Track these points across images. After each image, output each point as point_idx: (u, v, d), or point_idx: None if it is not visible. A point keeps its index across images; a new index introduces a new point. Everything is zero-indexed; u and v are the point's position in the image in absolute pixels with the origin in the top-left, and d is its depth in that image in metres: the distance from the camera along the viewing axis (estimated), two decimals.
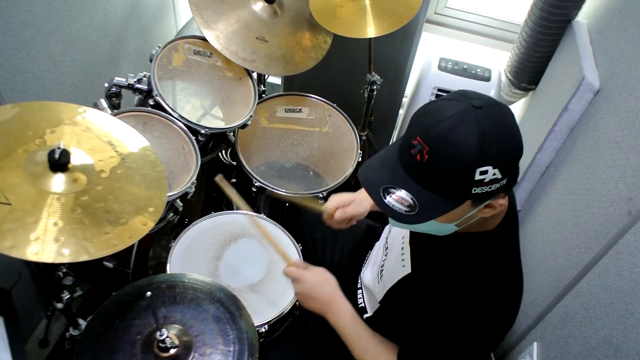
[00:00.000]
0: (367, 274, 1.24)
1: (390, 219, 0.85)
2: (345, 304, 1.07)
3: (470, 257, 0.93)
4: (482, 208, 0.83)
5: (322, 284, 1.08)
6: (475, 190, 0.77)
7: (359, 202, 1.25)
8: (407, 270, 1.03)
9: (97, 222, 0.87)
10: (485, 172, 0.75)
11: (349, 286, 1.31)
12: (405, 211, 0.80)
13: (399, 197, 0.80)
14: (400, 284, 1.05)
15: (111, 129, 1.04)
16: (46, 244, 0.80)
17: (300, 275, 1.08)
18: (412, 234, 1.07)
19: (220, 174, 1.24)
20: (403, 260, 1.06)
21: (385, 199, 0.81)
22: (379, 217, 1.48)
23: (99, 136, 1.01)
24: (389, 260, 1.14)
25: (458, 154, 0.75)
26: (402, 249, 1.08)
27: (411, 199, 0.80)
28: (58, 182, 0.87)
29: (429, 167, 0.77)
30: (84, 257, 0.82)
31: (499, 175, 0.76)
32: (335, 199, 1.26)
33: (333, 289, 1.08)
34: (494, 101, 0.79)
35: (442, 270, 0.96)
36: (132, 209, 0.93)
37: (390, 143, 2.33)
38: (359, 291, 1.27)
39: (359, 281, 1.29)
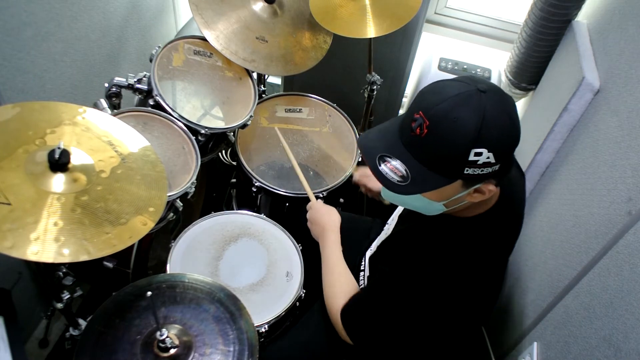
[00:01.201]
0: (367, 274, 1.25)
1: (382, 189, 0.90)
2: (335, 236, 1.22)
3: (445, 235, 0.95)
4: (472, 192, 0.85)
5: (326, 215, 1.26)
6: (467, 170, 0.79)
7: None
8: (388, 233, 1.09)
9: (97, 222, 0.87)
10: (480, 154, 0.77)
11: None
12: (398, 181, 0.83)
13: (393, 167, 0.83)
14: (380, 248, 1.11)
15: (111, 129, 1.04)
16: (46, 244, 0.80)
17: (315, 204, 1.31)
18: (402, 213, 1.11)
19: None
20: (388, 231, 1.11)
21: (380, 166, 0.84)
22: (383, 216, 1.48)
23: (99, 136, 1.01)
24: (379, 238, 1.20)
25: (456, 131, 0.77)
26: (389, 224, 1.14)
27: (405, 169, 0.82)
28: (58, 182, 0.87)
29: (426, 141, 0.79)
30: (84, 257, 0.82)
31: (492, 160, 0.78)
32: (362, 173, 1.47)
33: (332, 222, 1.25)
34: (498, 88, 0.81)
35: (418, 242, 0.99)
36: (132, 209, 0.93)
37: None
38: (361, 273, 1.28)
39: (361, 279, 1.29)
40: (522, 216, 1.06)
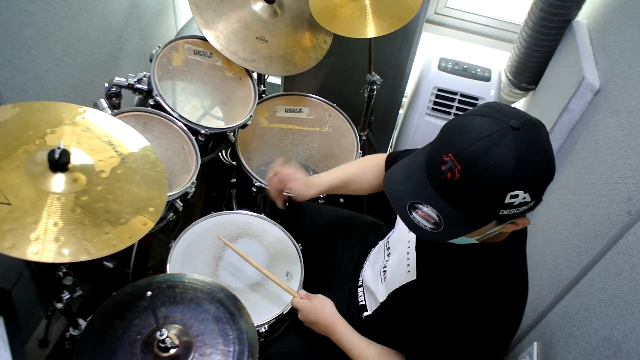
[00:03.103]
0: (368, 273, 1.25)
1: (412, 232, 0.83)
2: (341, 324, 1.13)
3: (478, 267, 0.92)
4: (506, 224, 0.82)
5: (319, 310, 1.15)
6: (502, 212, 0.75)
7: (308, 184, 1.23)
8: (412, 276, 1.02)
9: (97, 222, 0.87)
10: (516, 196, 0.73)
11: (350, 284, 1.31)
12: (430, 228, 0.78)
13: (425, 214, 0.78)
14: (405, 289, 1.04)
15: (111, 129, 1.04)
16: (46, 244, 0.80)
17: (301, 306, 1.16)
18: (418, 239, 1.06)
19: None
20: (408, 265, 1.06)
21: (411, 214, 0.79)
22: (383, 215, 1.48)
23: (99, 136, 1.01)
24: (392, 262, 1.14)
25: (491, 176, 0.72)
26: (408, 253, 1.07)
27: (437, 215, 0.77)
28: (58, 182, 0.87)
29: (459, 186, 0.74)
30: (84, 257, 0.82)
31: (528, 199, 0.75)
32: (284, 169, 1.25)
33: (329, 313, 1.14)
34: (530, 121, 0.76)
35: (448, 279, 0.95)
36: (132, 209, 0.93)
37: (390, 145, 2.35)
38: (360, 289, 1.27)
39: (360, 279, 1.29)
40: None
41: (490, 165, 0.72)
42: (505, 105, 0.79)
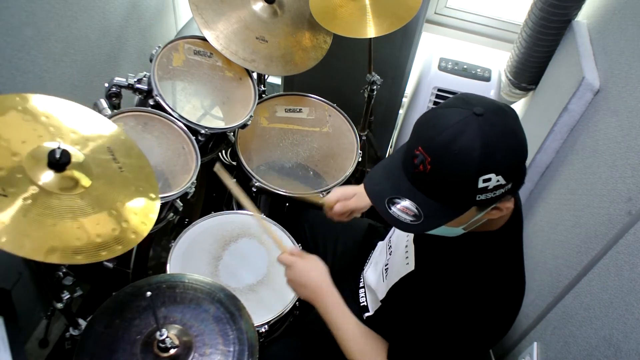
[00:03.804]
0: (370, 274, 1.25)
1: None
2: (332, 294, 1.05)
3: (474, 256, 0.93)
4: (490, 210, 0.83)
5: (311, 271, 1.07)
6: (479, 197, 0.77)
7: (361, 196, 1.25)
8: (411, 267, 1.04)
9: (91, 224, 0.87)
10: (489, 180, 0.75)
11: (351, 285, 1.31)
12: (411, 220, 0.80)
13: (403, 207, 0.80)
14: (403, 282, 1.05)
15: (111, 133, 1.04)
16: (37, 242, 0.79)
17: (292, 262, 1.08)
18: (416, 237, 1.07)
19: (219, 162, 1.22)
20: (407, 258, 1.06)
21: (391, 209, 0.81)
22: (381, 217, 1.48)
23: (95, 138, 1.00)
24: (393, 260, 1.14)
25: (460, 164, 0.74)
26: (406, 247, 1.08)
27: (416, 208, 0.80)
28: (55, 181, 0.86)
29: (432, 177, 0.77)
30: (76, 259, 0.82)
31: (503, 181, 0.76)
32: (337, 192, 1.27)
33: (322, 278, 1.07)
34: (496, 106, 0.78)
35: (445, 269, 0.96)
36: (124, 216, 0.93)
37: (390, 145, 2.35)
38: (361, 290, 1.27)
39: (361, 280, 1.29)
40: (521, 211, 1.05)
41: (457, 153, 0.74)
42: (473, 95, 0.80)
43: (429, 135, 0.77)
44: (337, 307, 1.05)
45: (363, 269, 1.31)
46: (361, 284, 1.29)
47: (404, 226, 0.81)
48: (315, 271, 1.07)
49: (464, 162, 0.74)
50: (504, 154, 0.75)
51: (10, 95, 0.92)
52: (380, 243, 1.29)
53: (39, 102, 0.95)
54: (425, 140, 0.77)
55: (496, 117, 0.76)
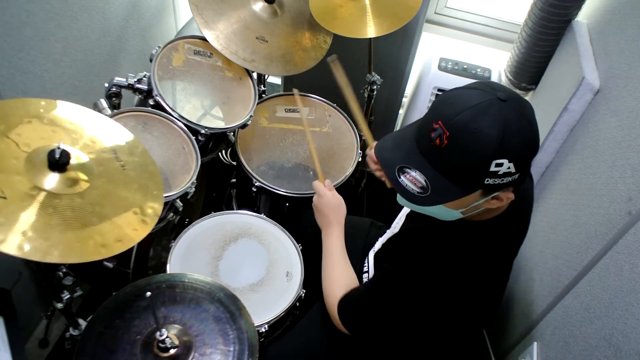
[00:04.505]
0: (371, 271, 1.25)
1: (398, 197, 0.88)
2: (340, 232, 1.22)
3: (460, 241, 0.94)
4: (490, 199, 0.84)
5: (334, 207, 1.24)
6: (487, 180, 0.78)
7: None
8: (395, 231, 1.08)
9: (90, 223, 0.87)
10: (501, 165, 0.76)
11: None
12: (418, 192, 0.82)
13: (412, 178, 0.82)
14: (386, 245, 1.10)
15: (110, 132, 1.04)
16: (36, 242, 0.79)
17: (323, 192, 1.25)
18: (410, 212, 1.11)
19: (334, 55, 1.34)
20: (395, 228, 1.11)
21: (400, 177, 0.83)
22: (382, 216, 1.48)
23: (95, 138, 1.00)
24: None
25: (477, 143, 0.75)
26: (397, 223, 1.12)
27: (425, 180, 0.81)
28: (54, 181, 0.86)
29: (446, 152, 0.78)
30: (73, 259, 0.81)
31: (512, 170, 0.77)
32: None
33: (338, 217, 1.24)
34: (518, 95, 0.80)
35: (426, 242, 0.98)
36: (126, 213, 0.93)
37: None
38: (365, 275, 1.28)
39: (363, 280, 1.29)
40: (529, 220, 1.06)
41: (477, 132, 0.75)
42: (495, 82, 0.82)
43: (450, 111, 0.78)
44: (337, 242, 1.21)
45: (363, 269, 1.31)
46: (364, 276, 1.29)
47: (409, 196, 0.83)
48: (336, 208, 1.24)
49: (482, 142, 0.75)
50: (521, 142, 0.76)
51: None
52: (380, 239, 1.30)
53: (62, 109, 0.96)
54: (446, 116, 0.78)
55: (518, 105, 0.78)
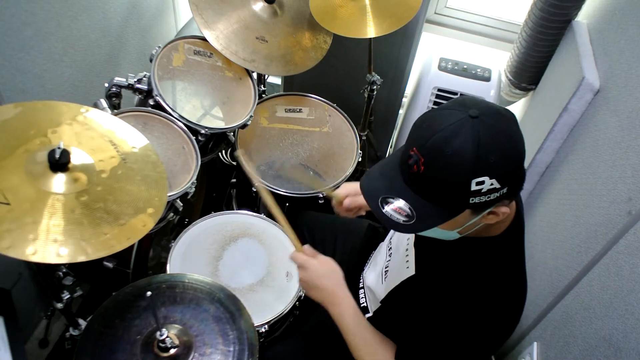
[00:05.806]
0: (370, 275, 1.24)
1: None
2: (348, 298, 1.04)
3: (474, 262, 0.92)
4: (486, 215, 0.82)
5: (328, 275, 1.05)
6: (473, 200, 0.76)
7: None
8: (411, 272, 1.03)
9: (96, 222, 0.87)
10: (482, 183, 0.74)
11: (351, 286, 1.30)
12: (403, 221, 0.80)
13: (396, 207, 0.81)
14: (404, 285, 1.05)
15: (113, 129, 1.04)
16: (44, 244, 0.80)
17: (307, 263, 1.04)
18: (417, 236, 1.06)
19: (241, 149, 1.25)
20: (407, 261, 1.06)
21: (384, 208, 0.81)
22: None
23: (101, 136, 1.01)
24: (393, 262, 1.14)
25: (452, 165, 0.74)
26: (407, 250, 1.08)
27: (409, 208, 0.80)
28: (58, 182, 0.87)
29: (425, 178, 0.77)
30: (81, 258, 0.82)
31: (497, 185, 0.75)
32: (347, 187, 1.28)
33: (338, 282, 1.04)
34: (492, 109, 0.77)
35: (445, 274, 0.96)
36: (132, 210, 0.93)
37: (390, 145, 2.35)
38: (361, 291, 1.27)
39: (361, 281, 1.29)
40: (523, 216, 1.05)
41: (450, 155, 0.74)
42: (470, 99, 0.80)
43: (424, 135, 0.77)
44: (352, 313, 1.03)
45: (363, 270, 1.31)
46: (361, 285, 1.28)
47: (396, 226, 0.81)
48: (331, 276, 1.05)
49: (456, 163, 0.74)
50: (499, 157, 0.74)
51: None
52: (381, 244, 1.29)
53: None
54: (420, 141, 0.77)
55: (492, 120, 0.75)
